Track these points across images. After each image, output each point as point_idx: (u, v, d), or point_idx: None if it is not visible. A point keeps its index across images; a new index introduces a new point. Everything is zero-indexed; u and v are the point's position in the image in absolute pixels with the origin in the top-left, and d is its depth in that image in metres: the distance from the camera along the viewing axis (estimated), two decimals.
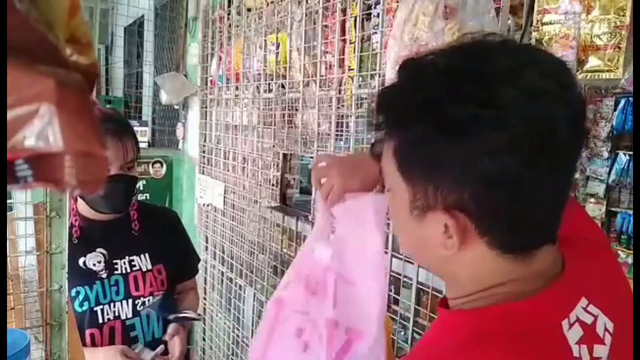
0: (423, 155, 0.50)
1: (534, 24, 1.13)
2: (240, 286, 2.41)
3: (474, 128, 0.46)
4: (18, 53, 0.35)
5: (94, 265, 1.29)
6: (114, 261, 1.32)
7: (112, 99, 4.87)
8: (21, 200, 1.51)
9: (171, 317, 1.32)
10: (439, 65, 0.52)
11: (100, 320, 1.28)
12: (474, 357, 0.49)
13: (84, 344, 1.25)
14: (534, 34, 1.13)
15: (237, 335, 2.46)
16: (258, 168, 2.27)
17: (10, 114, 0.34)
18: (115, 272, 1.31)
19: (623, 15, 0.99)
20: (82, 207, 1.31)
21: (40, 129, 0.35)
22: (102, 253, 1.31)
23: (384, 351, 0.85)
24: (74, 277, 1.24)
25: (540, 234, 0.53)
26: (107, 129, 1.23)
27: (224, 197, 2.54)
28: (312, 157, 1.86)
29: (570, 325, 0.51)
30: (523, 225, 0.50)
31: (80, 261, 1.28)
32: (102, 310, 1.29)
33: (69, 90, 0.37)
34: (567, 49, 1.08)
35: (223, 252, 2.62)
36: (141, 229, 1.38)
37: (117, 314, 1.30)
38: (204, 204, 2.82)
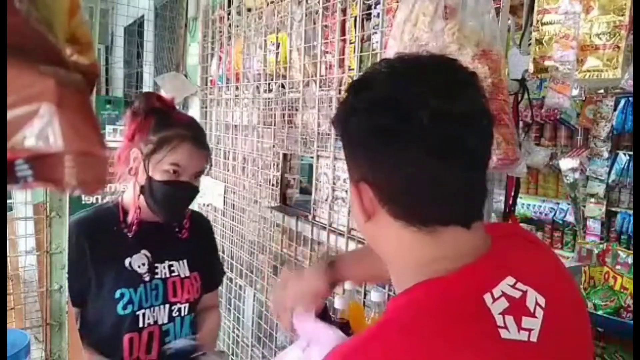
0: (346, 141, 0.65)
1: (534, 24, 1.13)
2: (240, 286, 2.41)
3: (375, 117, 0.58)
4: (18, 53, 0.35)
5: (139, 267, 1.27)
6: (155, 264, 1.29)
7: (112, 99, 4.87)
8: (21, 200, 1.51)
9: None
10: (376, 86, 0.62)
11: (141, 325, 1.25)
12: (391, 341, 0.53)
13: (121, 350, 1.23)
14: (534, 34, 1.13)
15: (237, 335, 2.46)
16: (258, 168, 2.27)
17: (10, 114, 0.34)
18: (156, 276, 1.29)
19: (622, 15, 0.99)
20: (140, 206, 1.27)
21: (40, 129, 0.35)
22: (146, 255, 1.28)
23: None
24: (119, 278, 1.23)
25: (438, 211, 0.59)
26: (188, 136, 1.23)
27: (224, 197, 2.54)
28: (312, 157, 1.86)
29: (495, 299, 0.54)
30: (417, 200, 0.59)
31: (127, 262, 1.25)
32: (144, 314, 1.26)
33: (69, 90, 0.37)
34: (567, 48, 1.08)
35: (223, 252, 2.62)
36: (188, 236, 1.37)
37: (155, 319, 1.27)
38: (203, 204, 2.82)
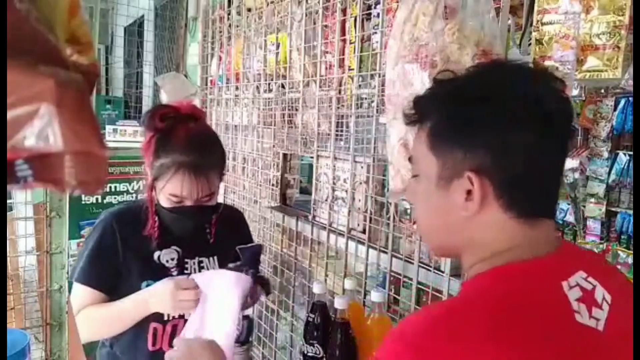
0: (457, 127, 0.64)
1: (534, 24, 1.13)
2: None
3: (501, 106, 0.61)
4: (18, 53, 0.35)
5: (167, 261, 1.28)
6: (185, 260, 1.30)
7: (112, 99, 4.87)
8: (21, 200, 1.51)
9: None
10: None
11: (165, 317, 1.26)
12: (476, 312, 0.56)
13: (145, 338, 1.25)
14: (534, 34, 1.13)
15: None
16: (258, 168, 2.27)
17: (11, 114, 0.34)
18: (185, 271, 1.29)
19: (622, 15, 0.99)
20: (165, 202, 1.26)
21: (40, 129, 0.35)
22: (176, 250, 1.29)
23: None
24: (146, 269, 1.25)
25: (545, 202, 0.65)
26: (185, 163, 1.17)
27: (224, 197, 2.54)
28: (312, 157, 1.86)
29: (571, 287, 0.59)
30: (533, 191, 0.62)
31: (156, 255, 1.27)
32: None
33: (69, 90, 0.37)
34: (568, 48, 1.08)
35: None
36: (216, 240, 1.36)
37: (181, 313, 1.26)
38: None
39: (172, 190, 1.19)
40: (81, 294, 1.25)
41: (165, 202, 1.22)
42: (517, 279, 0.60)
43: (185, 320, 1.26)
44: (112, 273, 1.24)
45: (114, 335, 1.29)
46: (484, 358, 0.53)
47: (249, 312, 1.32)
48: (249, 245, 1.31)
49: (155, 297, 1.18)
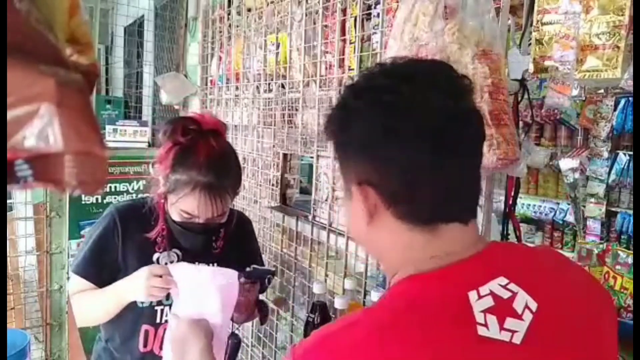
0: (341, 143, 0.65)
1: (534, 24, 1.13)
2: None
3: (375, 118, 0.59)
4: (18, 53, 0.35)
5: (166, 264, 1.27)
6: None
7: (112, 99, 4.87)
8: (21, 200, 1.51)
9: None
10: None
11: (158, 320, 1.27)
12: (367, 332, 0.54)
13: (137, 339, 1.26)
14: (534, 34, 1.13)
15: None
16: (258, 168, 2.27)
17: (11, 114, 0.34)
18: None
19: (622, 15, 0.99)
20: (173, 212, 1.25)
21: (40, 129, 0.35)
22: (176, 253, 1.28)
23: None
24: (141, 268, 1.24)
25: (448, 208, 0.61)
26: (200, 183, 1.16)
27: None
28: (312, 157, 1.86)
29: (480, 296, 0.55)
30: (422, 199, 0.59)
31: (155, 257, 1.27)
32: (162, 310, 1.27)
33: (69, 90, 0.37)
34: (567, 48, 1.08)
35: None
36: (222, 252, 1.34)
37: (152, 299, 1.25)
38: None
39: (185, 208, 1.18)
40: (77, 284, 1.26)
41: (175, 216, 1.21)
42: (414, 293, 0.57)
43: None
44: (109, 269, 1.25)
45: (106, 331, 1.31)
46: None
47: (237, 332, 1.31)
48: (262, 268, 1.31)
49: (130, 284, 1.17)
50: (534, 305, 0.56)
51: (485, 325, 0.53)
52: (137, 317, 1.26)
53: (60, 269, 1.12)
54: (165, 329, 1.27)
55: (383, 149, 0.59)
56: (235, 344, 1.25)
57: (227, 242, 1.36)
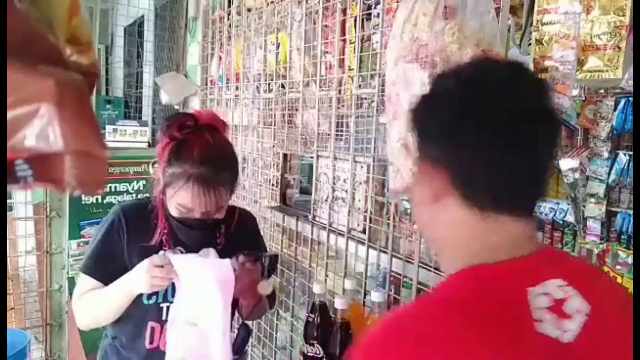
0: (422, 123, 0.68)
1: (534, 24, 1.13)
2: None
3: (459, 102, 0.62)
4: (18, 53, 0.35)
5: None
6: None
7: (112, 99, 4.87)
8: (21, 200, 1.51)
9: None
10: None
11: (164, 317, 1.28)
12: (432, 318, 0.57)
13: (143, 336, 1.27)
14: (534, 34, 1.13)
15: None
16: (258, 168, 2.27)
17: (11, 114, 0.34)
18: None
19: (623, 15, 0.99)
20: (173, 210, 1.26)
21: (40, 129, 0.35)
22: (180, 251, 1.29)
23: None
24: None
25: (508, 199, 0.63)
26: (195, 175, 1.17)
27: None
28: (312, 157, 1.86)
29: (538, 294, 0.58)
30: (492, 186, 0.62)
31: (160, 254, 1.25)
32: (168, 307, 1.28)
33: (68, 90, 0.37)
34: (568, 49, 1.08)
35: None
36: (225, 245, 1.34)
37: (154, 290, 1.25)
38: None
39: (180, 201, 1.19)
40: (83, 282, 1.28)
41: (174, 211, 1.22)
42: (482, 283, 0.60)
43: None
44: (116, 266, 1.25)
45: (113, 329, 1.31)
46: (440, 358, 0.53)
47: (248, 322, 1.32)
48: (268, 253, 1.31)
49: (132, 276, 1.18)
50: (587, 309, 0.59)
51: (542, 322, 0.56)
52: (143, 315, 1.27)
53: (60, 269, 1.12)
54: None
55: (463, 134, 0.62)
56: (245, 334, 1.26)
57: (228, 239, 1.36)
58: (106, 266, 1.26)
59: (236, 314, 1.34)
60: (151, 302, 1.26)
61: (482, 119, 0.61)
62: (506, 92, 0.62)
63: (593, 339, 0.58)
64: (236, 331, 1.25)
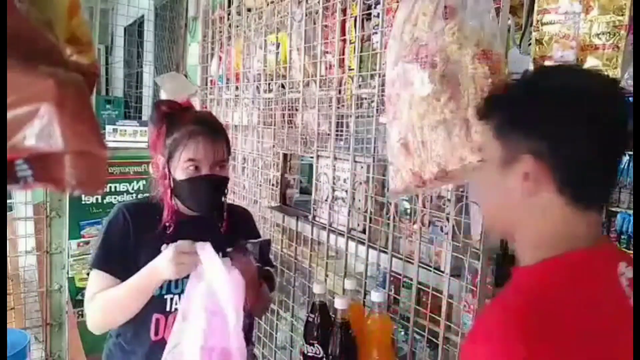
0: (518, 114, 0.73)
1: (534, 24, 1.13)
2: None
3: (558, 99, 0.69)
4: (18, 53, 0.35)
5: None
6: None
7: (112, 99, 4.87)
8: (21, 200, 1.51)
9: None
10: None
11: (168, 308, 1.30)
12: (552, 297, 0.65)
13: (148, 328, 1.30)
14: (534, 34, 1.13)
15: None
16: (258, 168, 2.27)
17: (11, 114, 0.34)
18: None
19: (622, 15, 0.99)
20: (175, 201, 1.33)
21: (40, 129, 0.35)
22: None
23: None
24: (150, 260, 1.26)
25: (599, 192, 0.72)
26: (197, 130, 1.27)
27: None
28: (312, 157, 1.86)
29: (620, 275, 0.69)
30: (586, 179, 0.69)
31: (163, 247, 1.28)
32: (172, 299, 1.31)
33: (68, 90, 0.37)
34: (568, 49, 1.08)
35: None
36: (228, 229, 1.39)
37: (181, 276, 1.27)
38: None
39: (188, 155, 1.26)
40: (95, 279, 1.29)
41: (181, 174, 1.27)
42: (582, 266, 0.68)
43: None
44: (127, 259, 1.28)
45: (122, 324, 1.32)
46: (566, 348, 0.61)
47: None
48: (258, 240, 1.35)
49: (160, 264, 1.21)
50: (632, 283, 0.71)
51: (630, 297, 0.67)
52: (148, 307, 1.28)
53: (60, 269, 1.12)
54: (175, 317, 1.28)
55: (564, 126, 0.68)
56: (250, 322, 1.30)
57: (232, 226, 1.41)
58: (118, 258, 1.28)
59: None
60: (156, 293, 1.27)
61: (590, 119, 0.67)
62: (605, 97, 0.70)
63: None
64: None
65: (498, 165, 0.74)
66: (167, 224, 1.31)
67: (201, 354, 1.18)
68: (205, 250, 1.20)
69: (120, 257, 1.28)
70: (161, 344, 1.27)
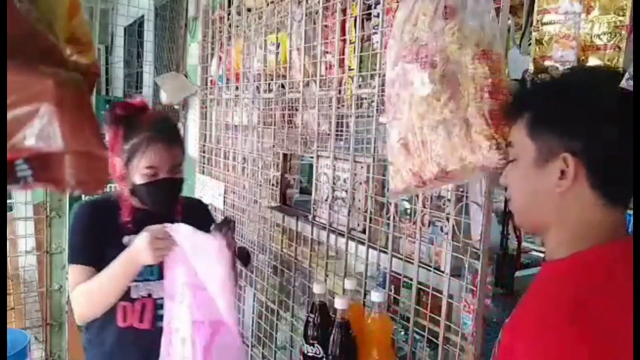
0: (555, 117, 0.74)
1: (534, 24, 1.13)
2: (240, 286, 2.41)
3: (595, 101, 0.72)
4: (18, 53, 0.35)
5: None
6: None
7: (112, 99, 4.87)
8: (21, 200, 1.51)
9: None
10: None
11: (134, 296, 1.38)
12: (578, 299, 0.67)
13: (115, 316, 1.37)
14: (534, 34, 1.13)
15: None
16: (258, 168, 2.27)
17: (11, 114, 0.34)
18: None
19: (623, 15, 0.99)
20: (133, 198, 1.39)
21: (40, 129, 0.35)
22: None
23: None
24: (115, 253, 1.33)
25: (626, 190, 0.73)
26: (155, 137, 1.31)
27: (224, 197, 2.54)
28: (312, 157, 1.86)
29: None
30: (618, 177, 0.72)
31: (125, 240, 1.37)
32: (137, 287, 1.38)
33: (68, 90, 0.37)
34: (568, 49, 1.08)
35: None
36: (184, 220, 1.43)
37: (149, 292, 1.40)
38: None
39: (147, 163, 1.31)
40: (74, 273, 1.35)
41: (140, 179, 1.33)
42: (619, 255, 0.70)
43: (154, 300, 1.40)
44: (101, 249, 1.35)
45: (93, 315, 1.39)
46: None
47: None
48: (221, 221, 1.40)
49: (136, 250, 1.27)
50: None
51: None
52: None
53: (60, 269, 1.12)
54: (142, 303, 1.39)
55: (598, 126, 0.71)
56: (245, 252, 1.40)
57: (186, 217, 1.43)
58: (90, 249, 1.36)
59: None
60: None
61: (621, 119, 0.70)
62: (629, 97, 0.71)
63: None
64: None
65: (532, 164, 0.76)
66: (127, 220, 1.39)
67: (193, 328, 1.24)
68: (180, 232, 1.25)
69: (93, 247, 1.36)
70: (130, 330, 1.37)
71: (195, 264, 1.25)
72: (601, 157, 0.71)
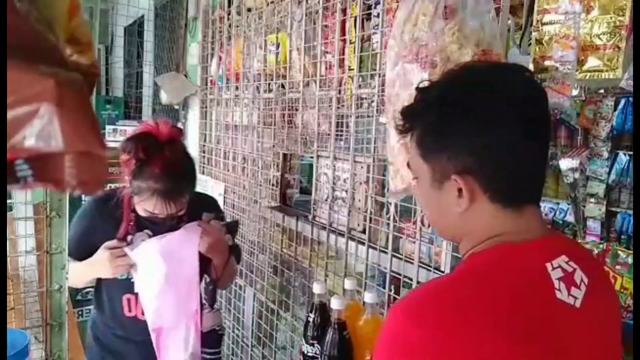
0: (438, 134, 0.71)
1: (534, 24, 1.13)
2: (240, 286, 2.41)
3: (474, 111, 0.67)
4: (18, 53, 0.35)
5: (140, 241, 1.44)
6: None
7: (112, 99, 4.87)
8: (21, 200, 1.51)
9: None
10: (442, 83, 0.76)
11: (136, 290, 1.43)
12: (467, 285, 0.66)
13: (121, 306, 1.47)
14: (534, 34, 1.13)
15: (237, 335, 2.46)
16: (258, 168, 2.27)
17: (11, 114, 0.34)
18: None
19: (622, 15, 0.99)
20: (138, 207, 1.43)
21: (40, 129, 0.35)
22: (148, 234, 1.44)
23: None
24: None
25: (529, 190, 0.72)
26: (157, 190, 1.31)
27: (224, 197, 2.54)
28: (312, 157, 1.86)
29: (554, 268, 0.68)
30: (515, 183, 0.70)
31: (129, 238, 1.42)
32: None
33: (68, 90, 0.37)
34: (568, 48, 1.08)
35: None
36: (189, 220, 1.47)
37: (119, 275, 1.44)
38: None
39: (147, 208, 1.36)
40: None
41: (141, 211, 1.40)
42: (505, 258, 0.68)
43: None
44: (87, 250, 1.41)
45: (96, 300, 1.55)
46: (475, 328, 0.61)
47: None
48: (228, 221, 1.49)
49: (97, 264, 1.39)
50: (586, 280, 0.70)
51: (560, 290, 0.66)
52: (118, 288, 1.46)
53: (60, 269, 1.12)
54: None
55: (484, 138, 0.68)
56: (213, 289, 1.41)
57: (192, 215, 1.46)
58: (84, 251, 1.42)
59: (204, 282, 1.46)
60: (123, 277, 1.43)
61: (507, 123, 0.67)
62: (520, 96, 0.68)
63: (592, 307, 0.68)
64: (205, 286, 1.41)
65: (430, 184, 0.74)
66: (129, 219, 1.43)
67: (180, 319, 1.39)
68: (139, 253, 1.36)
69: (88, 249, 1.41)
70: (134, 319, 1.46)
71: (154, 277, 1.36)
72: (491, 170, 0.69)
